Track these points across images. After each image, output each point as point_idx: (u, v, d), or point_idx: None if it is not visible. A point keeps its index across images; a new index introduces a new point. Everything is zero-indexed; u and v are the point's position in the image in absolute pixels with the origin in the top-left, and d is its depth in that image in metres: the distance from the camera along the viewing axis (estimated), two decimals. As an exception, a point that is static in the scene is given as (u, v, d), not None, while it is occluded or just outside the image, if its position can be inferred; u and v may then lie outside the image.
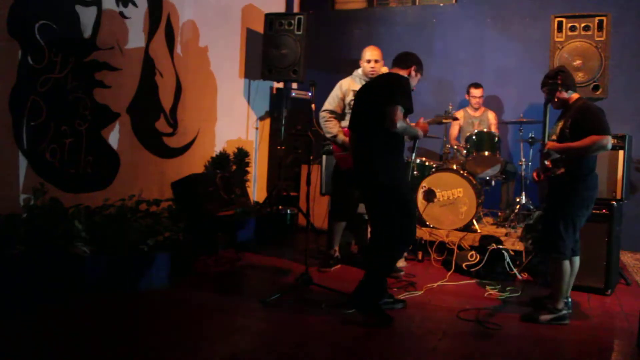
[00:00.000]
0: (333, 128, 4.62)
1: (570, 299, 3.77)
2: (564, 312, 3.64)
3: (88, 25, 4.45)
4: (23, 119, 3.96)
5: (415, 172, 5.70)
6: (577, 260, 3.70)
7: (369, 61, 4.63)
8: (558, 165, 3.63)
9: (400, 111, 3.50)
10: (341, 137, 4.55)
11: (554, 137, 3.69)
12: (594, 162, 3.65)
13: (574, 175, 3.59)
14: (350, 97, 4.61)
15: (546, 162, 3.66)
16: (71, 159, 4.35)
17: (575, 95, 3.71)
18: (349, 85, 4.68)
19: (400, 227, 3.63)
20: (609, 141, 3.48)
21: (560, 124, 3.68)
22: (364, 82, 4.42)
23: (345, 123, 4.58)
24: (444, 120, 4.88)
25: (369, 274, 3.62)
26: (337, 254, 4.90)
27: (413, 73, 3.83)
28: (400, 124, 3.49)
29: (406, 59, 3.85)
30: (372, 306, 3.55)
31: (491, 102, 6.60)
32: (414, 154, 4.16)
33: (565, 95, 3.67)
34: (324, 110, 4.69)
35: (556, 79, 3.65)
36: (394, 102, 3.50)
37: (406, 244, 3.82)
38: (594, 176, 3.64)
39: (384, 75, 3.96)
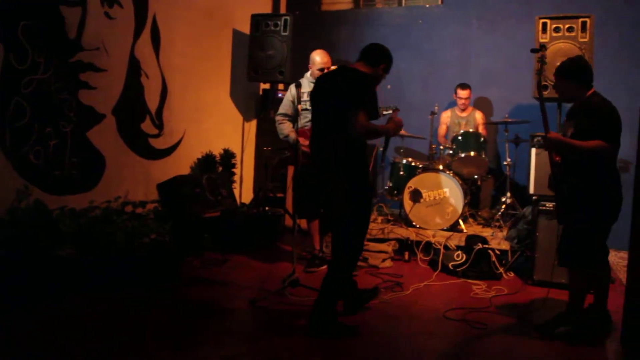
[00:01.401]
0: (284, 130, 4.81)
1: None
2: (584, 325, 3.42)
3: (73, 26, 4.42)
4: (6, 120, 3.91)
5: (401, 173, 5.73)
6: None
7: (321, 70, 4.62)
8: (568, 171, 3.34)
9: (364, 117, 3.21)
10: (292, 136, 4.70)
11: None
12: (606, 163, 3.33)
13: (591, 182, 3.29)
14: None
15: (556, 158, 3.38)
16: (56, 161, 4.30)
17: (591, 91, 3.36)
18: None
19: (362, 232, 3.48)
20: (615, 150, 3.25)
21: (571, 129, 3.37)
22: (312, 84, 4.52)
23: (301, 123, 4.66)
24: (384, 112, 4.36)
25: (330, 282, 3.40)
26: (322, 253, 4.89)
27: (380, 72, 3.47)
28: (364, 130, 3.23)
29: (377, 56, 3.46)
30: (334, 318, 3.36)
31: (477, 103, 6.64)
32: (386, 154, 3.95)
33: (578, 92, 3.36)
34: (277, 114, 4.90)
35: (564, 79, 3.37)
36: (358, 108, 3.20)
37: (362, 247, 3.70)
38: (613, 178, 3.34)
39: (345, 71, 3.45)
